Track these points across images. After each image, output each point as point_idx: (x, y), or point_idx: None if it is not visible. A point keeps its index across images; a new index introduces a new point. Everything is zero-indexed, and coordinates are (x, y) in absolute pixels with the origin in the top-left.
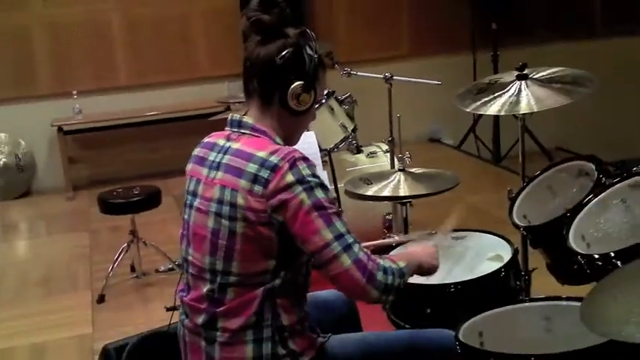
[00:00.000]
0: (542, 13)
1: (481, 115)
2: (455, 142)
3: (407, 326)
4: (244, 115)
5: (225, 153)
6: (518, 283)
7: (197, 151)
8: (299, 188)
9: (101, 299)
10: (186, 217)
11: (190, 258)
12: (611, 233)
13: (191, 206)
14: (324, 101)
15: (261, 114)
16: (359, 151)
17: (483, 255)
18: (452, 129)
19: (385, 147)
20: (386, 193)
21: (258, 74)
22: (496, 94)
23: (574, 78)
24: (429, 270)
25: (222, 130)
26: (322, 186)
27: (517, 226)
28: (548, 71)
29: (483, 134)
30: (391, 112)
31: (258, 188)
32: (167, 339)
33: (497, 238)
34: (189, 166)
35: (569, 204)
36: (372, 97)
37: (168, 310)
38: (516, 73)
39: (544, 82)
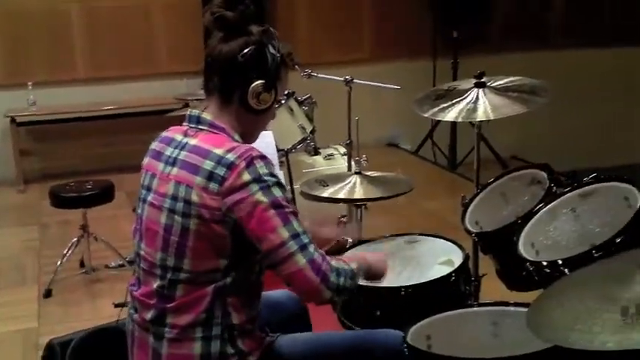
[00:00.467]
0: (502, 23)
1: (439, 121)
2: (412, 147)
3: (356, 328)
4: (203, 111)
5: (182, 149)
6: (467, 287)
7: (154, 145)
8: (255, 187)
9: (48, 294)
10: (139, 211)
11: (142, 253)
12: (560, 241)
13: (145, 201)
14: (283, 102)
15: (221, 111)
16: (316, 152)
17: (435, 259)
18: (410, 134)
19: (343, 150)
20: (341, 195)
21: (220, 71)
22: (454, 101)
23: (531, 87)
24: (377, 274)
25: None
26: (279, 185)
27: (469, 232)
28: (505, 80)
29: (440, 140)
30: (350, 115)
31: (213, 186)
32: (113, 335)
33: (449, 243)
34: (146, 160)
35: (521, 212)
36: (332, 100)
37: (116, 306)
38: (474, 80)
39: (501, 91)
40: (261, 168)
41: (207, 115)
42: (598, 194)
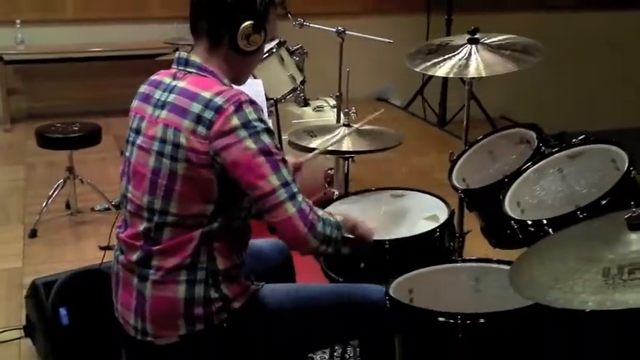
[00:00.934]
0: None
1: (430, 77)
2: (403, 103)
3: (340, 280)
4: (192, 53)
5: (170, 92)
6: (452, 243)
7: (143, 89)
8: (244, 133)
9: (33, 234)
10: (127, 154)
11: (129, 195)
12: (546, 201)
13: (133, 143)
14: (274, 50)
15: (210, 54)
16: (306, 104)
17: (420, 214)
18: (401, 90)
19: (333, 102)
20: (329, 146)
21: (208, 13)
22: (446, 56)
23: (524, 46)
24: (363, 234)
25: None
26: (268, 131)
27: (455, 189)
28: (499, 37)
29: (431, 98)
30: (341, 67)
31: (201, 129)
32: (97, 277)
33: (435, 198)
34: (135, 103)
35: (508, 170)
36: (323, 52)
37: (101, 249)
38: (468, 36)
39: (494, 48)
40: (250, 113)
41: (195, 58)
42: (586, 156)
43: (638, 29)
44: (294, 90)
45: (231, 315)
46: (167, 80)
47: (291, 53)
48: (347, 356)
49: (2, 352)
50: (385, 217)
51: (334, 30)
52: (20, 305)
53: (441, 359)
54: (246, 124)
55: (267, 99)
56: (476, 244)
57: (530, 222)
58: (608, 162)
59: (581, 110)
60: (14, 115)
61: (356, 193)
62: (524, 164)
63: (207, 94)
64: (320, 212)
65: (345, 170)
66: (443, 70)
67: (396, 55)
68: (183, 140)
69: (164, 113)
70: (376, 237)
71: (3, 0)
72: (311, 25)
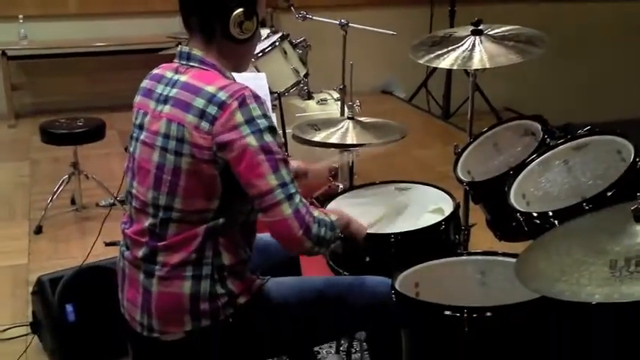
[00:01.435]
0: None
1: (434, 70)
2: (407, 95)
3: (345, 274)
4: (193, 47)
5: (173, 86)
6: (457, 236)
7: (145, 84)
8: (247, 129)
9: (39, 230)
10: (131, 149)
11: (134, 191)
12: (551, 193)
13: (137, 139)
14: (277, 43)
15: (207, 47)
16: (310, 97)
17: (425, 207)
18: (405, 82)
19: (336, 95)
20: (333, 140)
21: (197, 6)
22: (450, 48)
23: (527, 37)
24: (355, 232)
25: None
26: (271, 129)
27: (460, 181)
28: (502, 28)
29: (435, 90)
30: (344, 59)
31: (204, 125)
32: (103, 273)
33: (440, 191)
34: (137, 99)
35: (513, 162)
36: (327, 44)
37: (107, 245)
38: (471, 28)
39: (498, 39)
40: (254, 109)
41: (197, 52)
42: (591, 147)
43: None
44: (297, 83)
45: (237, 310)
46: (169, 74)
47: (294, 46)
48: (353, 350)
49: (9, 349)
50: (390, 210)
51: (337, 22)
52: (26, 302)
53: (448, 353)
54: (249, 121)
55: (271, 92)
56: (481, 236)
57: (535, 214)
58: (613, 153)
59: (586, 101)
60: (18, 111)
61: (360, 187)
62: (530, 156)
63: (210, 89)
64: (315, 213)
65: (350, 164)
66: (447, 61)
67: (399, 47)
68: (186, 135)
69: (167, 108)
70: (381, 230)
71: None
72: (314, 17)
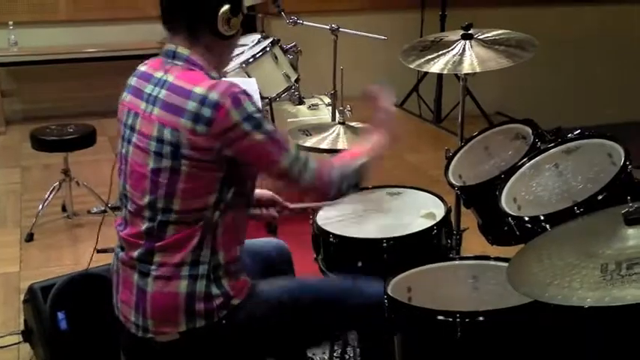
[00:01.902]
0: None
1: (425, 74)
2: (398, 100)
3: None
4: (178, 46)
5: (162, 87)
6: (449, 241)
7: (133, 82)
8: (248, 126)
9: (30, 237)
10: (123, 151)
11: (128, 195)
12: (542, 197)
13: (129, 141)
14: (268, 49)
15: (192, 45)
16: (301, 102)
17: (417, 212)
18: (396, 87)
19: (327, 100)
20: (324, 145)
21: (184, 5)
22: (440, 53)
23: (518, 41)
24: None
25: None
26: (264, 117)
27: (452, 185)
28: (493, 33)
29: (426, 94)
30: (335, 64)
31: (201, 128)
32: (95, 281)
33: (431, 196)
34: (127, 98)
35: (504, 166)
36: (317, 50)
37: (99, 252)
38: (462, 32)
39: (488, 44)
40: (248, 106)
41: (182, 50)
42: (582, 151)
43: (632, 23)
44: (288, 88)
45: (231, 311)
46: (158, 74)
47: (285, 52)
48: (347, 356)
49: (1, 358)
50: (382, 215)
51: (328, 27)
52: (18, 310)
53: (441, 358)
54: (247, 118)
55: (262, 98)
56: (473, 241)
57: (527, 218)
58: (604, 157)
59: (577, 105)
60: (8, 118)
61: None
62: (520, 160)
63: (199, 90)
64: (337, 165)
65: None
66: (437, 66)
67: (390, 52)
68: (182, 139)
69: (157, 110)
70: (373, 235)
71: None
72: (304, 22)
